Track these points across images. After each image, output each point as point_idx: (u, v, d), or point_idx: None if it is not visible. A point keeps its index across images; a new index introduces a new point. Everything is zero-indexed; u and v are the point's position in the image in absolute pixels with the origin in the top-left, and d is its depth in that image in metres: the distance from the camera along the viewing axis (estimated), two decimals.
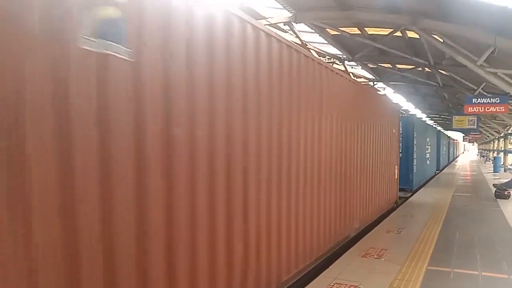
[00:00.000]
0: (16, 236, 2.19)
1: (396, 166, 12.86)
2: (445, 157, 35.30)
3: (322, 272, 6.03)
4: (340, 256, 7.02)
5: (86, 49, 2.47)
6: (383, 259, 6.79)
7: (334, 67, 7.47)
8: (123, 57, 2.73)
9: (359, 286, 5.45)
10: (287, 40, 5.40)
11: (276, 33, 5.15)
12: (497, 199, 13.91)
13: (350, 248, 7.52)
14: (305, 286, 5.53)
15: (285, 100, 5.20)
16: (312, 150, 6.15)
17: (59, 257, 2.40)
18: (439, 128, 39.94)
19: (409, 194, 15.59)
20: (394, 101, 16.25)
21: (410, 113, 28.53)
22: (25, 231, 2.22)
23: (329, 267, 6.34)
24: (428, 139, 22.17)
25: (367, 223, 9.31)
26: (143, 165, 2.98)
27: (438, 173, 27.83)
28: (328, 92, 6.80)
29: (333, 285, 5.48)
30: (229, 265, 4.11)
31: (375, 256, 6.93)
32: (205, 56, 3.60)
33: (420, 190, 17.26)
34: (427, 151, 21.76)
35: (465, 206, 12.71)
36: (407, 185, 15.93)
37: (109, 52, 2.61)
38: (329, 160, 6.86)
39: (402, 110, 19.83)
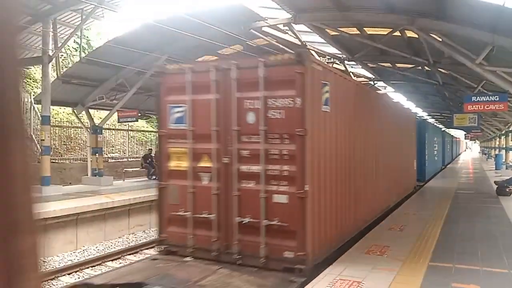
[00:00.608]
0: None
1: (414, 160, 16.67)
2: (449, 154, 38.77)
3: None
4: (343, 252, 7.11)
5: (323, 110, 6.52)
6: (386, 255, 6.88)
7: (384, 94, 12.20)
8: (328, 111, 6.70)
9: (362, 282, 5.54)
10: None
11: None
12: (499, 196, 13.98)
13: (355, 243, 7.62)
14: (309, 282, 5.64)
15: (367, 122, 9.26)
16: (373, 153, 9.79)
17: None
18: (441, 127, 40.15)
19: (422, 183, 18.66)
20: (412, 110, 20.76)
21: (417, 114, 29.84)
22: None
23: (333, 263, 6.43)
24: (435, 139, 24.96)
25: (399, 199, 13.12)
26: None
27: (443, 168, 30.21)
28: (385, 115, 11.19)
29: (336, 281, 5.57)
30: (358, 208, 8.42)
31: (378, 253, 7.02)
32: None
33: (430, 181, 20.39)
34: (435, 149, 24.57)
35: (467, 203, 12.80)
36: (420, 176, 18.66)
37: (326, 110, 6.59)
38: (381, 158, 10.53)
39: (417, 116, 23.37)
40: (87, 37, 23.70)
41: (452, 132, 47.28)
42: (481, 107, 13.23)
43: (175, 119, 6.82)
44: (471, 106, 13.35)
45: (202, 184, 6.64)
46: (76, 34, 16.29)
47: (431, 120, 38.33)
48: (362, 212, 8.76)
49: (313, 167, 6.11)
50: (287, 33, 11.82)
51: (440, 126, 40.93)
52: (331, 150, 6.94)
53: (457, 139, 60.40)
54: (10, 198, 1.04)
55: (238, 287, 5.64)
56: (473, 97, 13.47)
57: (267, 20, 10.76)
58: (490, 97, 13.19)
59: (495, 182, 15.76)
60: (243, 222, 6.24)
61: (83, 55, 15.56)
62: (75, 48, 24.44)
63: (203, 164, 6.65)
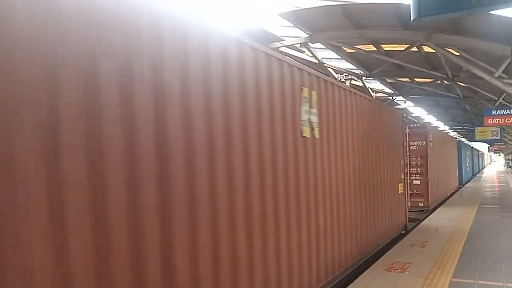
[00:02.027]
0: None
1: (457, 169, 27.31)
2: (476, 166, 47.95)
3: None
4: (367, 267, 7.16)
5: (430, 145, 17.04)
6: (407, 272, 6.85)
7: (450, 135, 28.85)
8: (432, 145, 17.18)
9: None
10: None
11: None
12: None
13: (375, 262, 7.62)
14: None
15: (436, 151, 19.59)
16: (444, 162, 21.08)
17: None
18: (466, 141, 39.94)
19: (460, 186, 27.22)
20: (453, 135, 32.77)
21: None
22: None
23: (354, 281, 6.44)
24: (467, 153, 34.79)
25: (452, 192, 22.55)
26: None
27: (473, 177, 39.11)
28: (446, 142, 22.93)
29: None
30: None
31: (399, 270, 6.99)
32: None
33: (467, 184, 29.18)
34: (467, 162, 34.41)
35: (491, 218, 12.61)
36: (460, 181, 27.98)
37: (431, 145, 17.27)
38: (446, 166, 21.29)
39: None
40: None
41: (478, 145, 51.04)
42: (501, 121, 13.11)
43: None
44: (491, 120, 13.24)
45: None
46: None
47: (453, 134, 37.95)
48: (441, 192, 19.05)
49: (430, 169, 15.97)
50: (303, 52, 11.98)
51: (463, 139, 40.53)
52: (435, 162, 17.03)
53: (482, 153, 60.77)
54: None
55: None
56: (493, 111, 13.36)
57: (283, 40, 10.91)
58: (511, 110, 13.07)
59: None
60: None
61: None
62: None
63: None
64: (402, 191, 10.83)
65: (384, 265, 7.33)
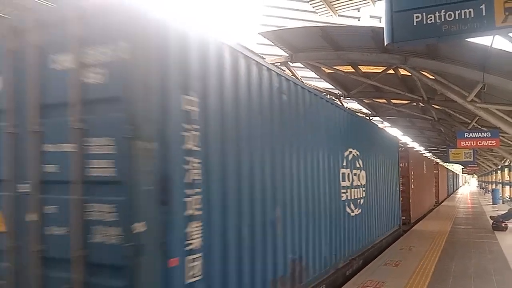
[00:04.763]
0: None
1: (447, 185, 42.95)
2: (455, 184, 62.20)
3: None
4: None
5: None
6: None
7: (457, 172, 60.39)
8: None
9: None
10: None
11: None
12: (495, 231, 14.03)
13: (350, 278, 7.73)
14: None
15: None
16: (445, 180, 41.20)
17: None
18: (439, 161, 41.13)
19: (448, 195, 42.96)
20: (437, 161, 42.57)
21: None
22: None
23: None
24: (450, 174, 48.42)
25: (445, 198, 38.22)
26: None
27: (453, 192, 53.07)
28: (443, 170, 40.17)
29: None
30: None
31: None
32: None
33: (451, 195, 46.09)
34: (450, 181, 48.82)
35: (464, 238, 12.85)
36: (448, 192, 42.61)
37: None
38: (444, 182, 39.80)
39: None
40: None
41: (455, 166, 58.79)
42: (473, 143, 13.44)
43: None
44: (464, 142, 13.55)
45: None
46: None
47: (428, 155, 38.85)
48: (443, 195, 35.16)
49: (439, 184, 32.65)
50: (284, 71, 12.11)
51: (438, 160, 41.54)
52: (441, 181, 34.87)
53: (457, 174, 65.74)
54: None
55: None
56: (465, 133, 13.69)
57: (264, 58, 11.04)
58: (483, 133, 13.41)
59: (490, 217, 15.82)
60: None
61: None
62: None
63: None
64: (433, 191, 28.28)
65: (357, 283, 7.40)
